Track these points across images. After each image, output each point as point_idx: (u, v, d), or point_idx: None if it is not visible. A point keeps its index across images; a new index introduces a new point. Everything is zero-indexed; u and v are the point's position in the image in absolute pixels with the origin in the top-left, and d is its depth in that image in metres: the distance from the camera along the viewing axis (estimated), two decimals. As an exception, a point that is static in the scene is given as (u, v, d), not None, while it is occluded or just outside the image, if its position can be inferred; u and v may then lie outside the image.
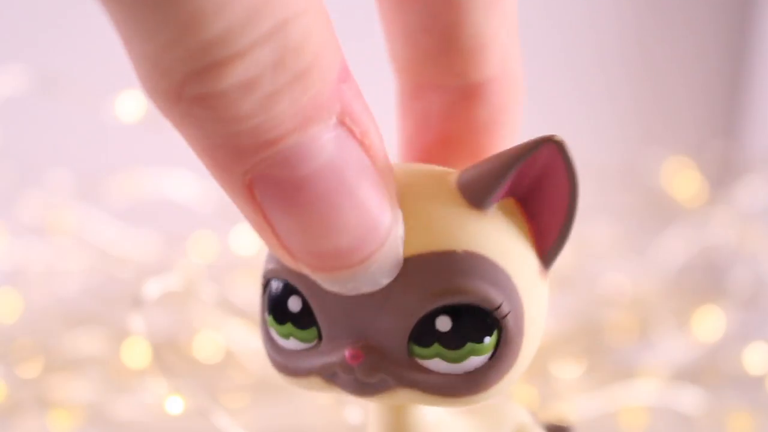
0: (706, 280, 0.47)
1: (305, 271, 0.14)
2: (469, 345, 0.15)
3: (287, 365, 0.16)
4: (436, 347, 0.15)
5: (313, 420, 0.35)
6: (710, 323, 0.40)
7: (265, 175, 0.13)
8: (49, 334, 0.39)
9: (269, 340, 0.16)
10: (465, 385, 0.15)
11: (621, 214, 0.46)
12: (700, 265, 0.45)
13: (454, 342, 0.15)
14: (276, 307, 0.16)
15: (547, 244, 0.16)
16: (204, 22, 0.12)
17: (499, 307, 0.15)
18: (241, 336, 0.36)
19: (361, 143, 0.14)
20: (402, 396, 0.15)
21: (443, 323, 0.15)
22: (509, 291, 0.15)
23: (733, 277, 0.44)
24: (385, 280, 0.15)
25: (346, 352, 0.15)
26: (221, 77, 0.12)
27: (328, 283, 0.14)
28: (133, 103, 0.36)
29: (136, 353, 0.35)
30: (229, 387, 0.38)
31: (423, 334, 0.15)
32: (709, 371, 0.39)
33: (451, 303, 0.15)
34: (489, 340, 0.15)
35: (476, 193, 0.15)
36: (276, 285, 0.16)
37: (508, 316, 0.15)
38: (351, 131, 0.13)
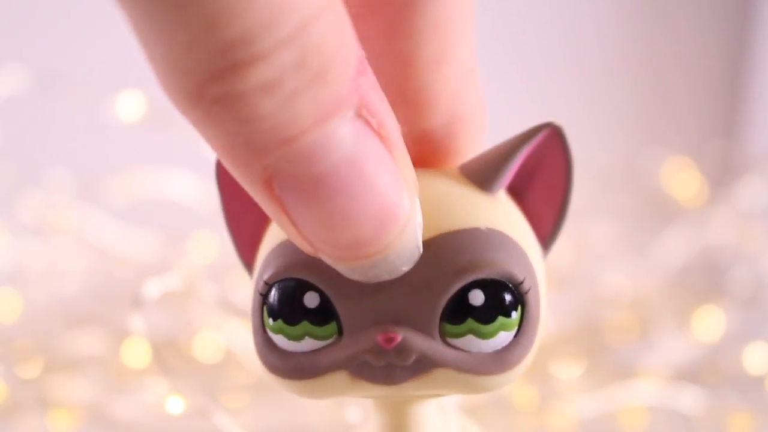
0: (706, 280, 0.47)
1: (326, 260, 0.15)
2: (500, 319, 0.15)
3: (301, 367, 0.15)
4: (470, 323, 0.15)
5: (313, 420, 0.35)
6: (710, 323, 0.40)
7: (283, 170, 0.13)
8: (49, 334, 0.39)
9: (269, 348, 0.16)
10: (495, 363, 0.15)
11: (621, 214, 0.46)
12: (700, 265, 0.45)
13: (487, 316, 0.15)
14: (287, 308, 0.15)
15: (543, 231, 0.17)
16: (224, 24, 0.12)
17: (522, 283, 0.15)
18: (241, 336, 0.36)
19: (378, 134, 0.14)
20: (433, 380, 0.15)
21: (476, 297, 0.15)
22: (529, 268, 0.16)
23: (733, 277, 0.44)
24: (405, 267, 0.15)
25: (378, 337, 0.15)
26: (242, 78, 0.12)
27: (348, 272, 0.15)
28: (133, 103, 0.36)
29: (136, 353, 0.35)
30: (229, 387, 0.38)
31: (456, 310, 0.15)
32: (709, 371, 0.39)
33: (482, 277, 0.15)
34: (515, 316, 0.15)
35: (486, 176, 0.16)
36: (285, 285, 0.15)
37: (529, 293, 0.15)
38: (368, 123, 0.14)
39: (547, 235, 0.17)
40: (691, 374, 0.39)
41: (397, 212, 0.14)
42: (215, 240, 0.42)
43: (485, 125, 0.17)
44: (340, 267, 0.15)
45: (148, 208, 0.40)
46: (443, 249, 0.15)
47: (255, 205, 0.17)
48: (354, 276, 0.15)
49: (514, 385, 0.37)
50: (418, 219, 0.15)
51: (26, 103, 0.38)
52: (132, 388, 0.36)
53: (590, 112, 0.57)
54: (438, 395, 0.16)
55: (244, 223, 0.18)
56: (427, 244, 0.15)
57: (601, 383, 0.37)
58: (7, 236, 0.41)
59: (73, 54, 0.47)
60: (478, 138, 0.17)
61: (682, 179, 0.45)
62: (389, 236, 0.14)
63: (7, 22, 0.49)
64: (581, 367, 0.38)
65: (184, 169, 0.41)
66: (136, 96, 0.36)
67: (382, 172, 0.14)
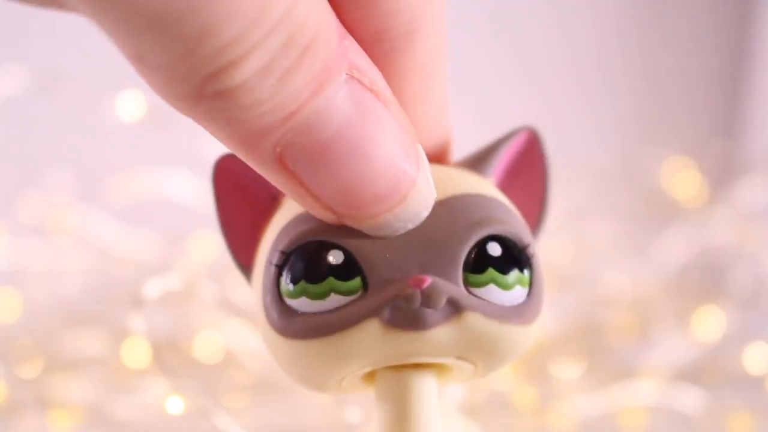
0: (706, 280, 0.47)
1: (351, 224, 0.15)
2: (516, 272, 0.16)
3: (329, 322, 0.15)
4: (490, 272, 0.16)
5: (313, 420, 0.35)
6: (710, 323, 0.40)
7: (293, 144, 0.14)
8: (49, 334, 0.39)
9: (288, 316, 0.16)
10: (515, 315, 0.16)
11: (621, 214, 0.46)
12: (700, 265, 0.45)
13: (505, 266, 0.16)
14: (311, 267, 0.16)
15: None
16: (216, 30, 0.12)
17: (528, 246, 0.16)
18: (241, 336, 0.36)
19: (372, 91, 0.14)
20: (463, 325, 0.16)
21: (494, 248, 0.16)
22: (531, 236, 0.17)
23: (733, 277, 0.44)
24: (425, 213, 0.15)
25: (409, 281, 0.15)
26: (238, 71, 0.13)
27: (375, 229, 0.15)
28: (133, 103, 0.36)
29: (136, 353, 0.35)
30: (229, 387, 0.38)
31: (477, 261, 0.16)
32: (709, 371, 0.39)
33: (496, 232, 0.16)
34: (527, 273, 0.16)
35: (478, 161, 0.18)
36: (307, 247, 0.16)
37: (534, 259, 0.16)
38: (361, 82, 0.14)
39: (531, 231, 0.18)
40: (691, 374, 0.39)
41: (407, 161, 0.15)
42: (215, 240, 0.41)
43: (452, 148, 0.18)
44: (366, 226, 0.15)
45: (148, 208, 0.40)
46: (458, 206, 0.16)
47: (250, 209, 0.18)
48: (381, 232, 0.15)
49: (514, 385, 0.37)
50: (427, 164, 0.15)
51: (27, 103, 0.38)
52: (132, 388, 0.36)
53: (590, 112, 0.57)
54: (461, 357, 0.16)
55: (239, 226, 0.18)
56: (441, 203, 0.16)
57: (601, 383, 0.37)
58: (7, 236, 0.41)
59: (73, 54, 0.47)
60: (450, 157, 0.18)
61: (682, 179, 0.45)
62: (405, 186, 0.15)
63: (7, 22, 0.49)
64: (581, 367, 0.38)
65: (184, 169, 0.41)
66: (136, 96, 0.36)
67: (384, 126, 0.14)
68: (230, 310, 0.28)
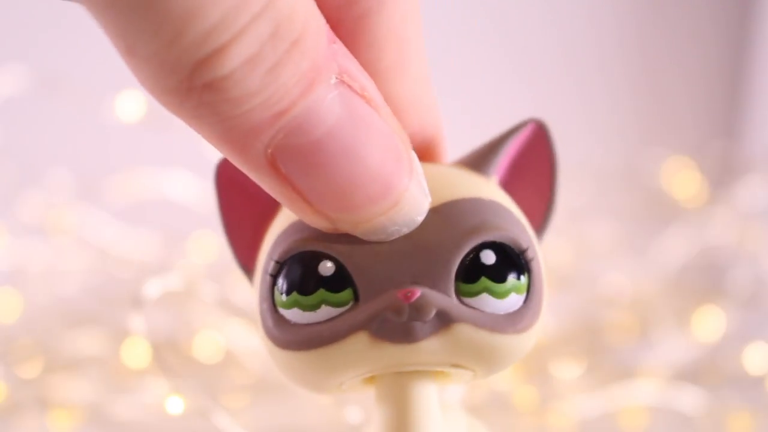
0: (706, 280, 0.47)
1: (345, 228, 0.15)
2: (511, 280, 0.16)
3: (319, 334, 0.15)
4: (483, 282, 0.16)
5: (313, 420, 0.35)
6: (710, 323, 0.40)
7: (284, 145, 0.14)
8: (49, 334, 0.39)
9: (282, 326, 0.16)
10: (509, 324, 0.16)
11: (621, 214, 0.46)
12: (700, 265, 0.45)
13: (499, 274, 0.16)
14: (302, 278, 0.16)
15: (534, 224, 0.18)
16: (201, 12, 0.12)
17: (526, 250, 0.16)
18: (241, 336, 0.36)
19: (362, 96, 0.14)
20: (452, 336, 0.15)
21: (487, 257, 0.16)
22: (531, 240, 0.16)
23: (733, 277, 0.44)
24: (419, 218, 0.15)
25: (398, 293, 0.15)
26: (227, 59, 0.13)
27: (369, 233, 0.15)
28: (133, 103, 0.36)
29: (136, 353, 0.35)
30: (229, 387, 0.38)
31: (469, 270, 0.16)
32: (709, 371, 0.39)
33: (491, 239, 0.16)
34: (524, 279, 0.16)
35: (480, 160, 0.17)
36: (299, 257, 0.16)
37: (533, 262, 0.16)
38: (350, 87, 0.14)
39: (537, 228, 0.18)
40: (691, 374, 0.39)
41: (399, 165, 0.15)
42: (215, 240, 0.42)
43: (444, 132, 0.18)
44: (361, 230, 0.15)
45: (148, 208, 0.40)
46: (452, 213, 0.16)
47: (253, 210, 0.18)
48: (375, 237, 0.15)
49: (514, 385, 0.37)
50: (420, 168, 0.15)
51: (27, 103, 0.38)
52: (132, 388, 0.36)
53: (590, 112, 0.57)
54: (454, 365, 0.16)
55: (242, 229, 0.18)
56: (435, 210, 0.16)
57: (601, 383, 0.37)
58: (7, 236, 0.41)
59: (73, 54, 0.47)
60: (444, 143, 0.18)
61: (682, 179, 0.45)
62: (398, 188, 0.15)
63: (7, 22, 0.49)
64: (581, 367, 0.38)
65: (184, 169, 0.41)
66: (136, 96, 0.36)
67: (374, 131, 0.14)
68: (230, 310, 0.28)
